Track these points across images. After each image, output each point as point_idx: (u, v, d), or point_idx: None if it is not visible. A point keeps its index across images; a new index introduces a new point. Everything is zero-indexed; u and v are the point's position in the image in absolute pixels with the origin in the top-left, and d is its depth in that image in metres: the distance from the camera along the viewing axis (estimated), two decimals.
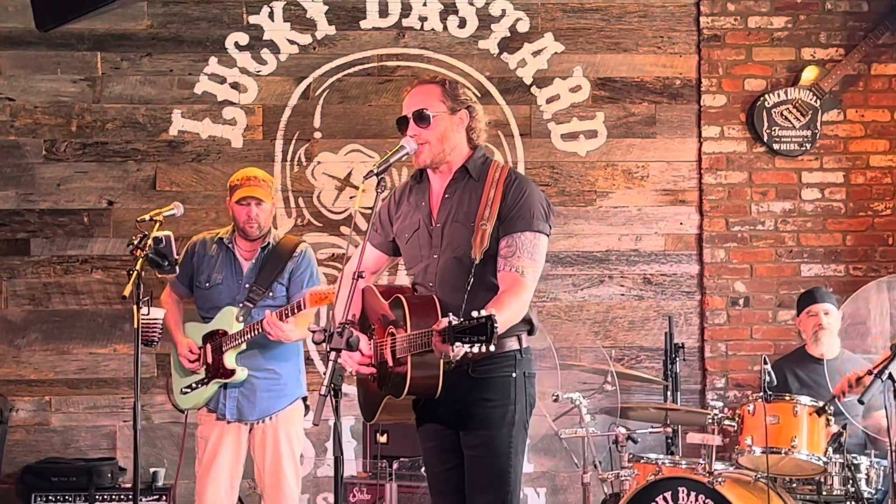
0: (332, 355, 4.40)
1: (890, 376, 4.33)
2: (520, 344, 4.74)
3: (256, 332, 6.23)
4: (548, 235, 4.78)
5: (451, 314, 4.22)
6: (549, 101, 8.26)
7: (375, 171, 4.60)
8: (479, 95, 8.07)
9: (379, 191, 4.62)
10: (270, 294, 6.39)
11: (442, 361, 4.49)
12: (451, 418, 4.76)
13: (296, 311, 6.11)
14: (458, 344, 4.16)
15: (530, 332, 4.78)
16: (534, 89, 8.26)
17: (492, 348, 4.16)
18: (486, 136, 5.03)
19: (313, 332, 4.49)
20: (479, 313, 4.14)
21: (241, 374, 6.34)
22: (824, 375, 6.87)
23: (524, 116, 8.25)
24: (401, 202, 5.02)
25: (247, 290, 6.40)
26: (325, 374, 4.34)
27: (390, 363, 4.68)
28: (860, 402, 4.52)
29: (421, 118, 4.77)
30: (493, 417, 4.68)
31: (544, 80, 8.26)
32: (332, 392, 4.36)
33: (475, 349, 4.16)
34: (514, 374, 4.70)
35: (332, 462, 7.91)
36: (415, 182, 4.99)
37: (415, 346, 4.47)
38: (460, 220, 4.76)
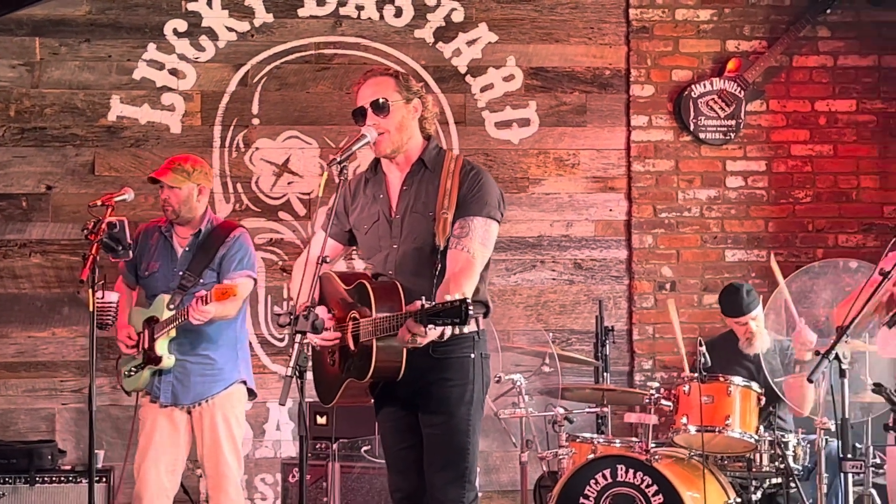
0: (298, 338, 4.54)
1: (836, 356, 4.57)
2: (477, 326, 4.89)
3: (183, 319, 6.30)
4: (499, 223, 4.95)
5: (423, 297, 4.38)
6: (483, 89, 8.43)
7: (338, 161, 4.71)
8: None
9: (342, 179, 4.76)
10: (201, 281, 6.44)
11: (406, 344, 4.64)
12: (410, 398, 4.91)
13: (203, 303, 6.17)
14: (430, 326, 4.33)
15: (486, 315, 4.95)
16: (468, 78, 8.42)
17: (465, 329, 4.33)
18: (437, 125, 5.21)
19: (278, 315, 4.63)
20: (452, 296, 4.30)
21: (169, 361, 6.41)
22: (755, 368, 7.09)
23: (459, 105, 8.41)
24: (356, 194, 5.14)
25: (179, 278, 6.47)
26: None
27: (352, 347, 4.82)
28: (809, 380, 4.76)
29: (380, 107, 4.90)
30: (452, 397, 4.84)
31: (478, 69, 8.43)
32: (297, 373, 4.49)
33: (448, 331, 4.34)
34: (472, 355, 4.86)
35: (271, 444, 8.13)
36: (370, 175, 5.12)
37: (380, 329, 4.60)
38: (419, 211, 4.91)
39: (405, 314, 4.47)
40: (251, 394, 6.69)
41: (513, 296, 8.41)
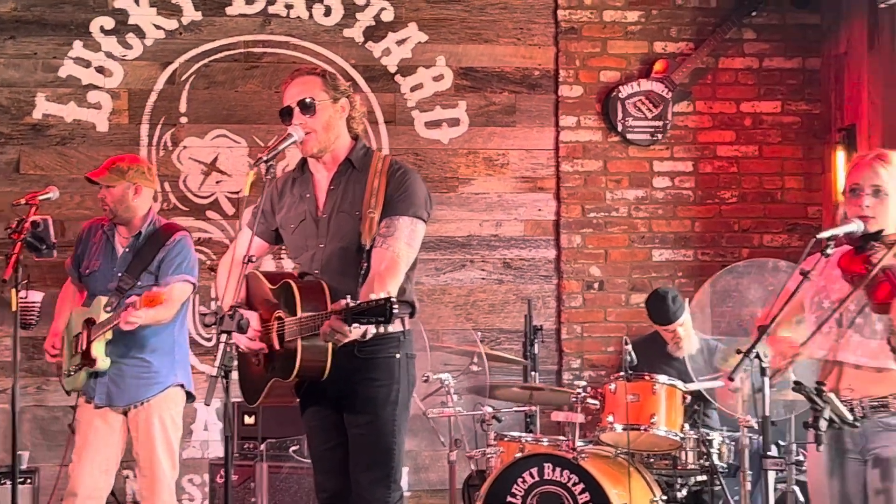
0: (224, 337, 4.53)
1: (757, 355, 4.63)
2: (403, 326, 4.91)
3: (116, 323, 6.23)
4: (425, 222, 4.97)
5: (348, 296, 4.38)
6: (412, 89, 8.44)
7: (265, 159, 4.71)
8: None
9: (268, 178, 4.75)
10: (139, 283, 6.35)
11: (330, 343, 4.63)
12: (336, 397, 4.91)
13: (134, 309, 6.08)
14: (355, 325, 4.34)
15: (411, 315, 4.95)
16: (398, 78, 8.43)
17: (391, 329, 4.35)
18: (365, 125, 5.21)
19: (204, 314, 4.62)
20: (377, 295, 4.31)
21: (103, 363, 6.32)
22: (683, 369, 7.13)
23: (389, 104, 8.42)
24: (283, 193, 5.12)
25: (118, 279, 6.38)
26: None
27: (277, 346, 4.81)
28: (730, 378, 4.81)
29: (306, 107, 4.90)
30: (378, 397, 4.85)
31: (408, 68, 8.44)
32: (222, 373, 4.48)
33: (371, 330, 4.35)
34: (397, 356, 4.88)
35: (199, 444, 8.09)
36: (298, 174, 5.12)
37: (305, 328, 4.60)
38: (346, 211, 4.91)
39: (330, 313, 4.47)
40: (189, 397, 6.63)
41: (442, 295, 8.42)
